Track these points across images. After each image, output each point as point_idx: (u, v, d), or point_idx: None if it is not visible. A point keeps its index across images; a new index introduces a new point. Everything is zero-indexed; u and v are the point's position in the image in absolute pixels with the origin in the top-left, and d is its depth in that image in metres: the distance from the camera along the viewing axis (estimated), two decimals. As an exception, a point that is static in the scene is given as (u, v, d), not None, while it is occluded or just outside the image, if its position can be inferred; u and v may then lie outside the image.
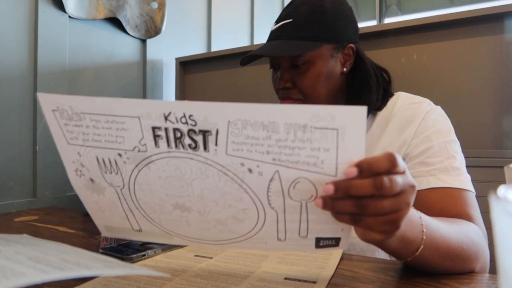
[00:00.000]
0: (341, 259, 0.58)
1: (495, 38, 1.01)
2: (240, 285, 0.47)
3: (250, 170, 0.40)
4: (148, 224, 0.50)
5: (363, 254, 0.71)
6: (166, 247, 0.62)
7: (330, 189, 0.37)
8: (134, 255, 0.57)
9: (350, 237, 0.44)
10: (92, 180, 0.47)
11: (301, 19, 0.74)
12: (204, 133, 0.39)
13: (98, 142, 0.44)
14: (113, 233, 0.55)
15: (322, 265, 0.55)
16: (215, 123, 0.38)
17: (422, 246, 0.47)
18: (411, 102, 0.77)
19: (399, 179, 0.38)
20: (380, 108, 0.78)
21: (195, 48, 1.87)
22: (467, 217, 0.61)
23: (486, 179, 0.96)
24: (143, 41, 1.59)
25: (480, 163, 0.97)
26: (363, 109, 0.35)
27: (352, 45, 0.77)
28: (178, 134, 0.40)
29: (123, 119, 0.41)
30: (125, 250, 0.60)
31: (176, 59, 1.67)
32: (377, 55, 1.17)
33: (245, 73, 1.50)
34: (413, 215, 0.46)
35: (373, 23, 2.92)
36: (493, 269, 0.58)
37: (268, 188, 0.41)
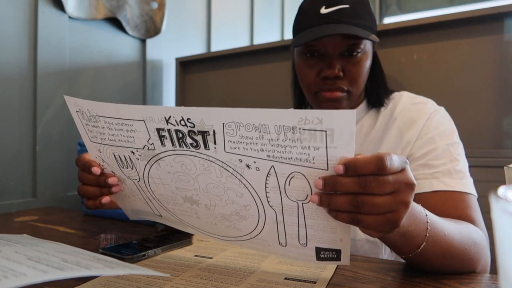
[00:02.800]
0: (341, 259, 0.58)
1: (495, 38, 1.01)
2: (240, 285, 0.47)
3: (248, 166, 0.42)
4: (165, 212, 0.55)
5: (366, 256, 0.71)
6: (166, 247, 0.63)
7: (320, 183, 0.39)
8: (134, 255, 0.57)
9: (349, 251, 0.45)
10: (113, 172, 0.53)
11: (357, 7, 0.70)
12: (203, 133, 0.41)
13: (113, 141, 0.49)
14: (139, 216, 0.61)
15: (322, 265, 0.55)
16: (211, 125, 0.41)
17: (424, 243, 0.47)
18: (415, 102, 0.77)
19: (389, 179, 0.38)
20: (383, 104, 0.78)
21: (195, 48, 1.87)
22: (469, 220, 0.61)
23: (486, 179, 0.96)
24: (143, 41, 1.59)
25: (480, 163, 0.97)
26: (352, 112, 0.36)
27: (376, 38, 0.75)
28: (180, 135, 0.43)
29: (131, 122, 0.45)
30: (125, 250, 0.60)
31: (176, 59, 1.67)
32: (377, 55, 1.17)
33: (245, 73, 1.50)
34: (419, 212, 0.47)
35: (373, 23, 2.92)
36: (493, 269, 0.58)
37: (266, 183, 0.42)
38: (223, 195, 0.46)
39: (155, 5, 1.58)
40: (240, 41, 2.16)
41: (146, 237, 0.69)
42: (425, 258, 0.50)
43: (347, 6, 0.69)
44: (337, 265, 0.55)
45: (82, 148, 0.98)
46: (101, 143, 0.50)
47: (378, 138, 0.77)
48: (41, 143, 1.20)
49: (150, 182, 0.51)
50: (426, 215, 0.48)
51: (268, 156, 0.40)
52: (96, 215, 1.00)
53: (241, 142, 0.40)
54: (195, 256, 0.60)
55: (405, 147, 0.73)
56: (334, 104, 0.72)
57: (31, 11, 1.19)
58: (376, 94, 0.78)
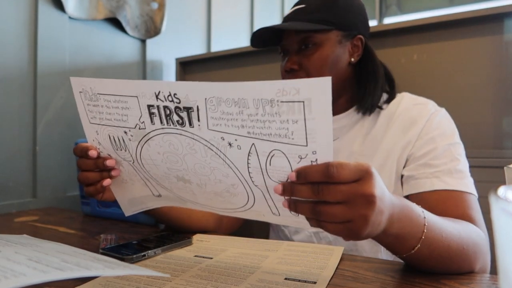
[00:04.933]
0: (341, 259, 0.58)
1: (495, 38, 1.01)
2: (240, 285, 0.47)
3: (230, 144, 0.43)
4: (163, 190, 0.56)
5: (366, 256, 0.71)
6: (166, 248, 0.62)
7: (279, 189, 0.41)
8: (134, 256, 0.57)
9: None
10: (109, 155, 0.55)
11: (314, 4, 0.76)
12: (188, 110, 0.43)
13: (109, 121, 0.51)
14: (136, 206, 0.62)
15: (322, 265, 0.55)
16: (195, 100, 0.42)
17: (418, 245, 0.47)
18: (416, 103, 0.77)
19: (340, 188, 0.38)
20: (382, 107, 0.78)
21: (195, 48, 1.87)
22: (469, 220, 0.61)
23: (486, 179, 0.96)
24: (143, 41, 1.59)
25: (480, 163, 0.97)
26: (327, 80, 0.37)
27: (361, 36, 0.78)
28: (168, 111, 0.44)
29: (125, 99, 0.47)
30: (125, 250, 0.60)
31: (176, 59, 1.67)
32: (377, 55, 1.17)
33: (245, 73, 1.50)
34: (417, 215, 0.47)
35: (373, 23, 2.92)
36: (493, 269, 0.58)
37: (248, 163, 0.43)
38: (211, 175, 0.48)
39: (155, 5, 1.58)
40: (240, 41, 2.16)
41: (146, 238, 0.69)
42: (421, 259, 0.50)
43: (303, 6, 0.77)
44: (337, 266, 0.55)
45: (82, 148, 0.98)
46: (99, 123, 0.52)
47: (378, 138, 0.77)
48: (41, 144, 1.20)
49: (143, 163, 0.52)
50: (425, 217, 0.48)
51: (249, 133, 0.41)
52: (96, 215, 1.00)
53: (222, 119, 0.41)
54: (195, 256, 0.60)
55: (405, 146, 0.73)
56: None
57: (31, 11, 1.19)
58: (363, 98, 0.78)
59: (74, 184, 1.27)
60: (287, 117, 0.38)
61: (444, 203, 0.65)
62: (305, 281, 0.48)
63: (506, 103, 0.99)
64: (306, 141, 0.39)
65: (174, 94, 0.43)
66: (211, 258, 0.58)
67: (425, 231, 0.47)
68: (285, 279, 0.50)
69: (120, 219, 0.93)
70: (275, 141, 0.40)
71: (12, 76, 1.14)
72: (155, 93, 0.44)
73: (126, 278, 0.49)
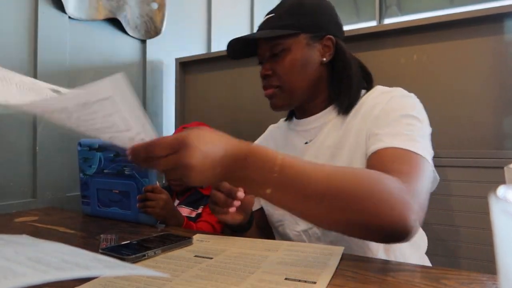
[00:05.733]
0: (341, 259, 0.58)
1: (495, 39, 1.01)
2: (240, 285, 0.47)
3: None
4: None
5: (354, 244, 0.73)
6: (166, 248, 0.63)
7: (129, 153, 0.50)
8: (134, 256, 0.57)
9: None
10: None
11: (281, 11, 0.81)
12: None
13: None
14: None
15: (322, 265, 0.55)
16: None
17: (269, 189, 0.51)
18: (383, 92, 0.79)
19: (160, 162, 0.48)
20: (352, 106, 0.80)
21: (195, 48, 1.87)
22: (395, 172, 0.58)
23: (486, 179, 0.96)
24: (143, 42, 1.59)
25: (480, 163, 0.97)
26: (118, 77, 0.42)
27: (331, 36, 0.81)
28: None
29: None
30: (125, 250, 0.60)
31: (176, 59, 1.67)
32: (377, 56, 1.17)
33: (245, 73, 1.50)
34: (266, 160, 0.51)
35: (373, 23, 2.92)
36: (493, 269, 0.58)
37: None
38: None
39: (155, 5, 1.58)
40: (240, 42, 2.16)
41: (146, 238, 0.69)
42: (283, 201, 0.53)
43: (273, 14, 0.81)
44: (337, 266, 0.55)
45: (82, 148, 0.98)
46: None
47: (349, 128, 0.78)
48: (41, 144, 1.20)
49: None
50: (281, 164, 0.51)
51: (97, 129, 0.49)
52: (96, 215, 1.00)
53: (80, 120, 0.48)
54: (195, 256, 0.60)
55: (369, 128, 0.74)
56: (271, 100, 0.84)
57: (32, 12, 1.19)
58: (338, 96, 0.82)
59: (74, 184, 1.27)
60: (104, 112, 0.45)
61: (381, 160, 0.64)
62: (305, 281, 0.48)
63: (506, 103, 0.99)
64: (127, 126, 0.47)
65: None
66: (211, 258, 0.58)
67: (276, 175, 0.50)
68: (285, 279, 0.49)
69: (120, 219, 0.93)
70: (108, 132, 0.49)
71: (12, 76, 1.14)
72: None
73: (126, 278, 0.49)
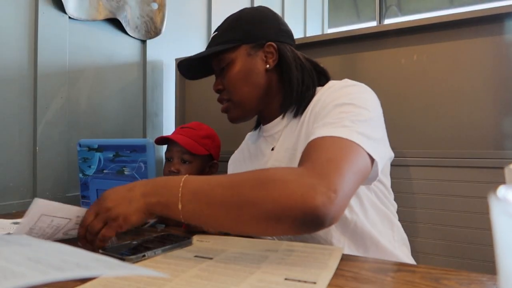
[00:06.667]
0: (341, 259, 0.58)
1: (495, 39, 1.01)
2: (240, 285, 0.47)
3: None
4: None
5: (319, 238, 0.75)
6: (166, 248, 0.63)
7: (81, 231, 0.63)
8: (134, 256, 0.57)
9: None
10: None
11: (223, 29, 0.86)
12: None
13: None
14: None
15: (322, 265, 0.55)
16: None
17: (180, 204, 0.56)
18: (329, 86, 0.79)
19: (95, 226, 0.61)
20: (301, 107, 0.80)
21: (195, 48, 1.87)
22: (306, 161, 0.59)
23: (486, 180, 0.96)
24: (143, 42, 1.59)
25: (480, 163, 0.97)
26: (37, 199, 0.58)
27: (272, 43, 0.82)
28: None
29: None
30: (125, 250, 0.60)
31: (176, 59, 1.67)
32: (377, 56, 1.17)
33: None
34: (172, 179, 0.59)
35: (373, 24, 2.92)
36: (493, 270, 0.58)
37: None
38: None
39: (155, 6, 1.58)
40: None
41: (146, 238, 0.69)
42: (199, 214, 0.57)
43: (216, 32, 0.86)
44: (337, 266, 0.55)
45: (82, 149, 0.98)
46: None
47: (303, 127, 0.78)
48: (41, 144, 1.20)
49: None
50: (182, 181, 0.58)
51: (51, 234, 0.65)
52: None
53: (39, 235, 0.64)
54: (195, 256, 0.60)
55: (311, 125, 0.74)
56: (227, 114, 0.88)
57: (32, 12, 1.19)
58: (285, 98, 0.83)
59: (74, 184, 1.27)
60: (46, 224, 0.62)
61: (303, 153, 0.63)
62: (305, 281, 0.48)
63: (506, 103, 0.99)
64: (67, 219, 0.64)
65: None
66: (211, 258, 0.58)
67: (180, 192, 0.57)
68: (285, 279, 0.49)
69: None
70: (59, 232, 0.66)
71: (12, 77, 1.14)
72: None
73: (126, 278, 0.49)
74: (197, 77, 0.95)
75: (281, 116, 0.86)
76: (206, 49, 0.87)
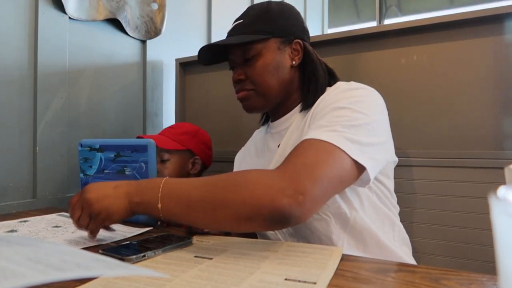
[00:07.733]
0: (341, 259, 0.58)
1: (495, 39, 1.01)
2: (240, 285, 0.47)
3: None
4: None
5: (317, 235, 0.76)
6: (166, 248, 0.63)
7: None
8: (134, 256, 0.57)
9: None
10: None
11: (250, 17, 0.84)
12: None
13: None
14: None
15: (322, 265, 0.55)
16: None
17: (159, 204, 0.61)
18: (335, 88, 0.79)
19: (83, 217, 0.65)
20: (312, 103, 0.81)
21: (195, 49, 1.87)
22: (284, 163, 0.62)
23: (486, 180, 0.96)
24: (143, 42, 1.59)
25: (480, 164, 0.97)
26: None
27: (299, 40, 0.83)
28: None
29: None
30: (125, 251, 0.60)
31: (176, 59, 1.67)
32: (377, 56, 1.17)
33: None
34: (153, 181, 0.65)
35: (373, 24, 2.93)
36: (493, 270, 0.58)
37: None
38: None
39: (155, 6, 1.58)
40: (240, 42, 2.16)
41: (146, 238, 0.69)
42: (176, 214, 0.61)
43: (241, 21, 0.84)
44: (337, 266, 0.55)
45: (83, 149, 0.98)
46: None
47: (306, 126, 0.79)
48: (41, 144, 1.20)
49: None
50: (162, 183, 0.62)
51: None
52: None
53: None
54: (195, 256, 0.60)
55: (310, 125, 0.75)
56: (244, 102, 0.86)
57: (32, 12, 1.19)
58: (306, 96, 0.84)
59: (74, 184, 1.27)
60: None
61: (289, 154, 0.64)
62: (305, 282, 0.48)
63: (506, 104, 0.99)
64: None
65: None
66: (211, 259, 0.58)
67: (159, 193, 0.61)
68: (285, 279, 0.49)
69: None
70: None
71: (12, 77, 1.14)
72: None
73: (126, 279, 0.49)
74: (211, 63, 0.93)
75: (290, 113, 0.87)
76: (228, 36, 0.85)
